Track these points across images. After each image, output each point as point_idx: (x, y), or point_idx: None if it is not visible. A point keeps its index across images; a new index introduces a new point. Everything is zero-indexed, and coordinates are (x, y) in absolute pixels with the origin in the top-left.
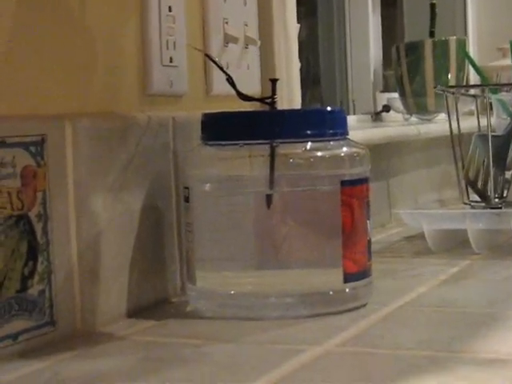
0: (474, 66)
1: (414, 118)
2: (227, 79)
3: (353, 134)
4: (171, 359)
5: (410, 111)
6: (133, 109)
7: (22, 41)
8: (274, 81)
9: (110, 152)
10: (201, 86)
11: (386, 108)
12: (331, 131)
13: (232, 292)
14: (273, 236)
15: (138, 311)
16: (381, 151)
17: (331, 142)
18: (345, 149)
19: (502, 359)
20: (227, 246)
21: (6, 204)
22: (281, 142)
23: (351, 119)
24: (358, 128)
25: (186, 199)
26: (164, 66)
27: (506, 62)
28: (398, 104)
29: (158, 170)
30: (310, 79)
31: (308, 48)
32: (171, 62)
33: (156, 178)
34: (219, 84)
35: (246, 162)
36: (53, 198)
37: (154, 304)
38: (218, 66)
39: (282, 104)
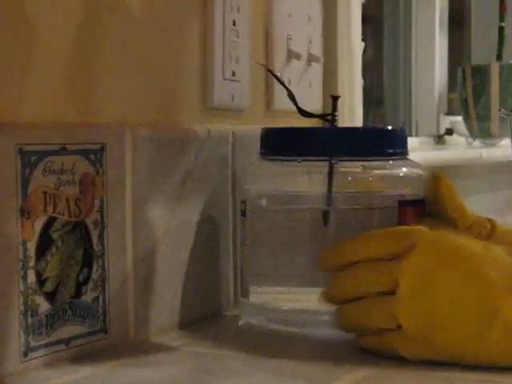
0: None
1: (477, 142)
2: (288, 94)
3: (414, 156)
4: (220, 371)
5: (473, 135)
6: (193, 121)
7: (87, 50)
8: (335, 98)
9: (168, 163)
10: (262, 101)
11: (449, 131)
12: (391, 150)
13: (285, 308)
14: None
15: (191, 323)
16: None
17: (390, 162)
18: (404, 169)
19: None
20: (282, 261)
21: (64, 210)
22: (339, 160)
23: (414, 141)
24: (421, 150)
25: (243, 213)
26: (226, 79)
27: None
28: (462, 127)
29: (215, 183)
30: (373, 99)
31: (373, 68)
32: (233, 75)
33: (213, 191)
34: (280, 99)
35: (304, 178)
36: (110, 206)
37: (207, 316)
38: (280, 80)
39: (344, 122)
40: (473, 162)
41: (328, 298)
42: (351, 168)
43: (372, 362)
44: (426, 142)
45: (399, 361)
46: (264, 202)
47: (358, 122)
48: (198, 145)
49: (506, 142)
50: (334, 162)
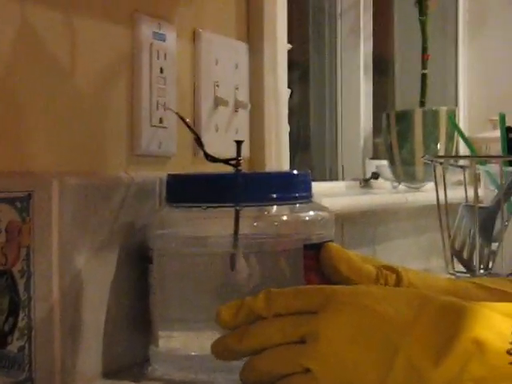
0: (462, 137)
1: (402, 186)
2: (195, 139)
3: (340, 201)
4: None
5: (398, 179)
6: (121, 168)
7: (12, 99)
8: (239, 142)
9: (95, 210)
10: (189, 148)
11: (375, 175)
12: (296, 194)
13: (192, 353)
14: (236, 298)
15: (117, 371)
16: (368, 218)
17: (296, 205)
18: (310, 212)
19: None
20: (190, 306)
21: None
22: (245, 206)
23: (340, 185)
24: (347, 194)
25: (150, 260)
26: (153, 126)
27: (496, 134)
28: (387, 171)
29: (142, 229)
30: (299, 144)
31: (299, 113)
32: (161, 122)
33: (140, 238)
34: (207, 146)
35: (210, 223)
36: (36, 254)
37: (134, 364)
38: (188, 125)
39: (271, 167)
40: (399, 206)
41: (227, 350)
42: (257, 213)
43: None
44: (352, 186)
45: None
46: (170, 248)
47: (285, 167)
48: (124, 192)
49: (430, 186)
50: (239, 208)
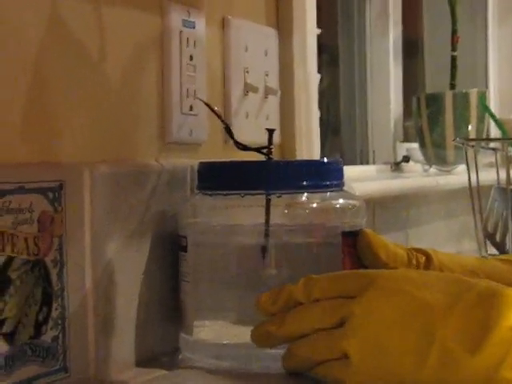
0: (493, 118)
1: (433, 169)
2: (225, 128)
3: (371, 185)
4: None
5: (429, 162)
6: (151, 156)
7: (43, 89)
8: (270, 131)
9: (126, 199)
10: (220, 135)
11: (406, 158)
12: (327, 182)
13: (224, 342)
14: (268, 287)
15: (150, 359)
16: (400, 202)
17: (327, 194)
18: (341, 200)
19: None
20: (222, 295)
21: (22, 249)
22: (276, 194)
23: (371, 169)
24: (378, 178)
25: (184, 249)
26: (184, 114)
27: None
28: (418, 155)
29: (175, 218)
30: (330, 129)
31: (329, 97)
32: (191, 110)
33: (172, 226)
34: (238, 133)
35: (242, 211)
36: (69, 244)
37: (167, 352)
38: (217, 114)
39: (302, 154)
40: (430, 189)
41: (267, 337)
42: (288, 201)
43: None
44: (383, 170)
45: None
46: (203, 236)
47: (316, 153)
48: (156, 180)
49: (461, 168)
50: (270, 195)
